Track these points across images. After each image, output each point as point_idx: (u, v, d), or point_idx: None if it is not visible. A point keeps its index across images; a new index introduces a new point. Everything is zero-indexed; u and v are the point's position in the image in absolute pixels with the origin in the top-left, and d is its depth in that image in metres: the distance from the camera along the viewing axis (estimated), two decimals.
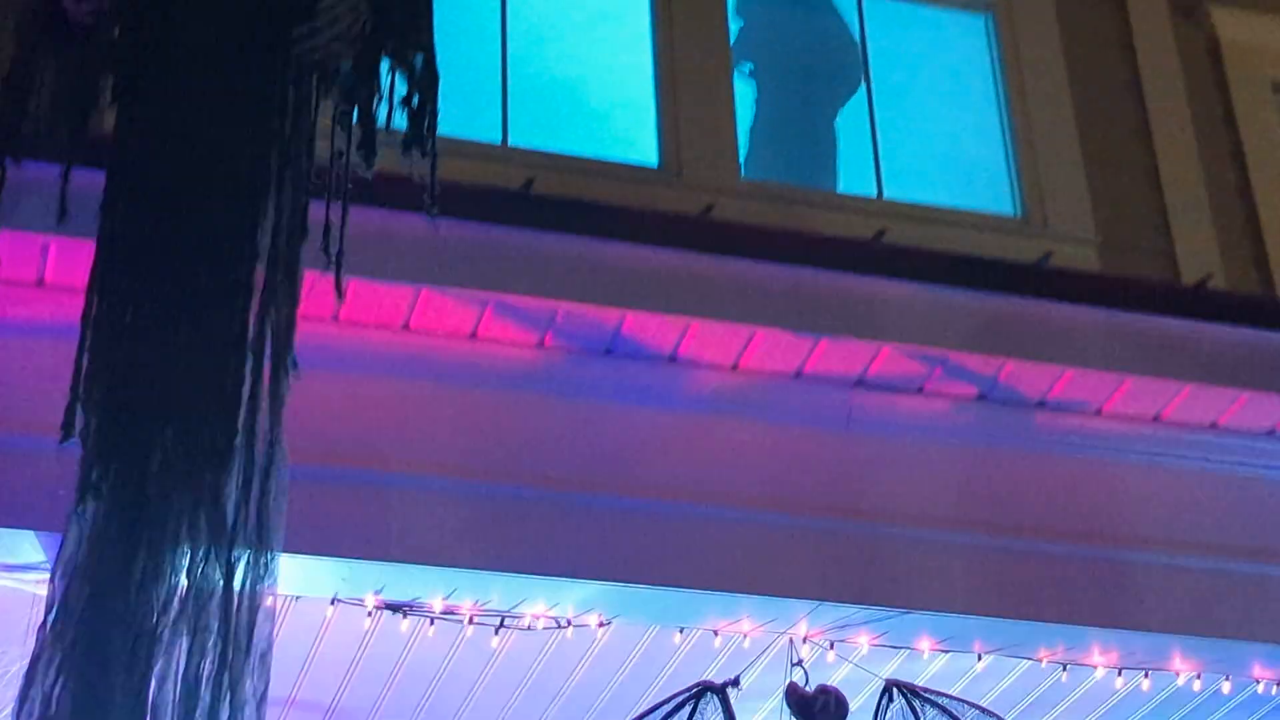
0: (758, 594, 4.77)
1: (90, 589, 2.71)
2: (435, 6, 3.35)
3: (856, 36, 6.76)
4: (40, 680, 2.66)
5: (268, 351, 2.92)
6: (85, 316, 2.91)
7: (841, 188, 6.44)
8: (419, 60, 3.23)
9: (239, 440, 2.82)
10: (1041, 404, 5.13)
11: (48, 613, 2.74)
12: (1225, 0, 8.10)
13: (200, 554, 2.76)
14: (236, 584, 2.80)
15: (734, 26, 6.60)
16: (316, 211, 3.15)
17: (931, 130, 6.89)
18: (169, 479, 2.76)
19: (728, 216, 5.33)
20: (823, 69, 6.83)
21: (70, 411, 2.87)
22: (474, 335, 4.75)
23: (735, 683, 4.80)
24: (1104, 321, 5.10)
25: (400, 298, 4.59)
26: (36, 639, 2.72)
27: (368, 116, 3.18)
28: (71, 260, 4.26)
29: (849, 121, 6.64)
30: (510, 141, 6.05)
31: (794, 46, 6.77)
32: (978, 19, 6.84)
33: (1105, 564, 5.07)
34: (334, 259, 3.12)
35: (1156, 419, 5.22)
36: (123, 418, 2.80)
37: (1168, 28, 7.14)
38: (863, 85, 6.62)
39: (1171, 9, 7.32)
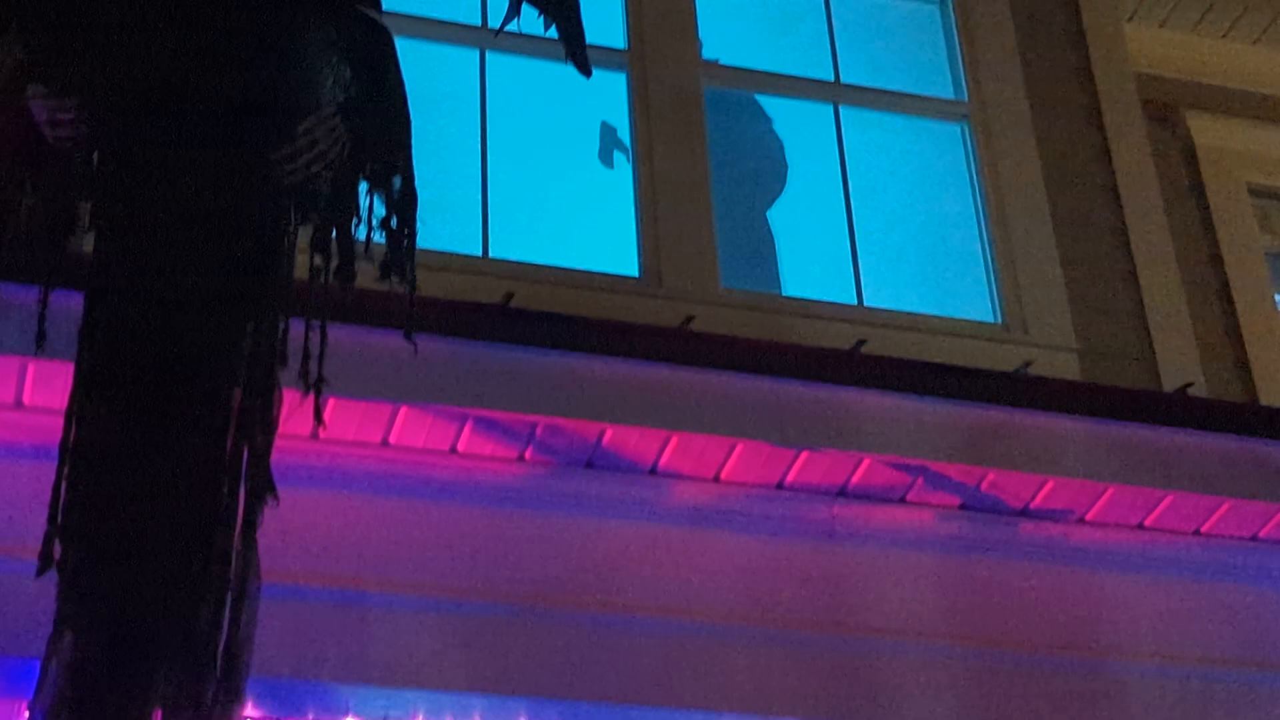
0: (741, 712, 4.73)
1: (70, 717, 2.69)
2: (415, 119, 3.38)
3: (781, 135, 6.83)
4: None
5: (244, 477, 2.91)
6: (63, 444, 2.91)
7: (813, 293, 6.45)
8: (397, 182, 3.25)
9: (215, 569, 2.81)
10: (1024, 513, 5.13)
11: None
12: (1200, 106, 8.20)
13: (175, 686, 2.74)
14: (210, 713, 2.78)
15: None
16: (295, 327, 3.16)
17: (910, 238, 6.93)
18: (147, 612, 2.75)
19: (709, 327, 5.34)
20: (754, 169, 6.89)
21: (48, 542, 2.85)
22: (454, 451, 4.75)
23: None
24: (1085, 430, 5.11)
25: (379, 414, 4.59)
26: None
27: (346, 239, 3.20)
28: (50, 383, 4.25)
29: (829, 229, 6.66)
30: (490, 253, 6.06)
31: (726, 149, 6.82)
32: (954, 127, 6.89)
33: (1090, 675, 5.05)
34: (313, 385, 3.12)
35: (1140, 527, 5.22)
36: (100, 551, 2.78)
37: (1144, 134, 7.19)
38: (802, 183, 6.67)
39: (1147, 116, 7.38)
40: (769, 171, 6.78)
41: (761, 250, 6.67)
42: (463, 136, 6.35)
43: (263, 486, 2.94)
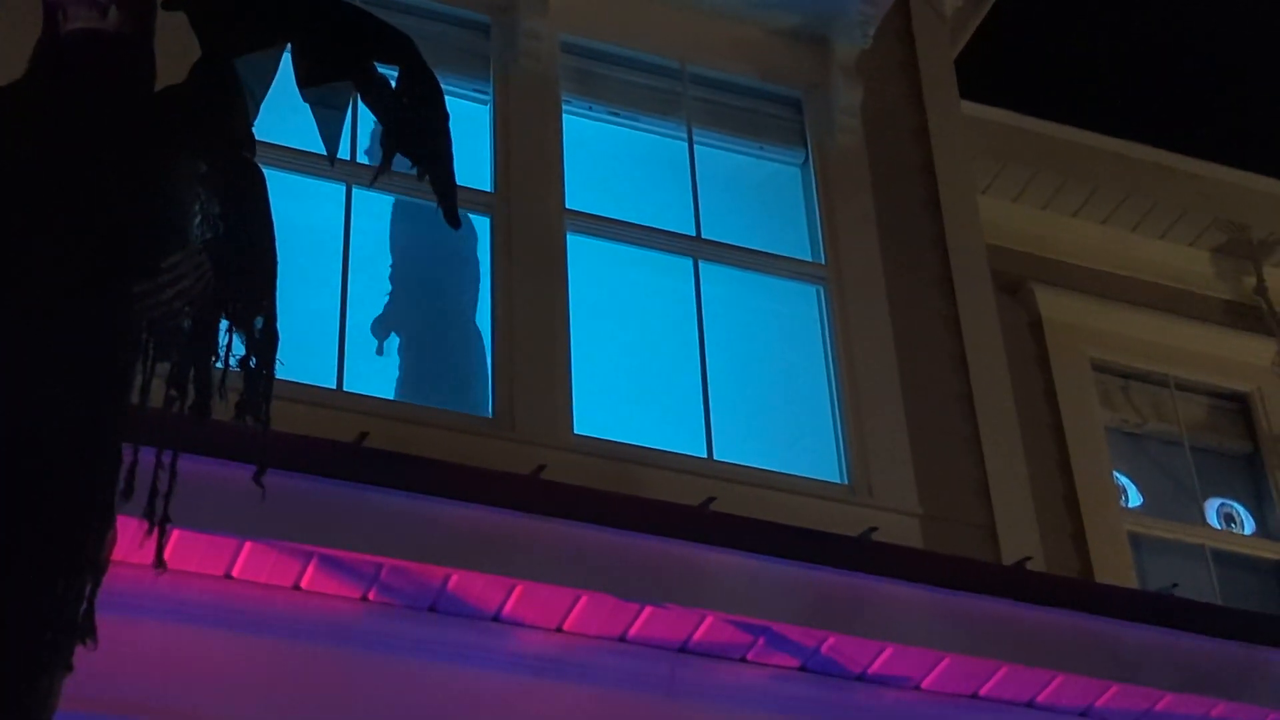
0: None
1: None
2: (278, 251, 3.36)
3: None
4: None
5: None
6: None
7: (664, 444, 6.47)
8: (259, 322, 3.24)
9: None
10: (862, 678, 5.16)
11: None
12: (1048, 280, 8.41)
13: None
14: None
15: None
16: (144, 457, 3.11)
17: (763, 394, 7.01)
18: None
19: (560, 473, 5.34)
20: (457, 275, 6.89)
21: None
22: (297, 587, 4.69)
23: None
24: (925, 598, 5.17)
25: (224, 548, 4.54)
26: None
27: (204, 375, 3.17)
28: None
29: (683, 380, 6.71)
30: (345, 387, 6.04)
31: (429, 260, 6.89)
32: (811, 289, 7.00)
33: None
34: (158, 522, 3.07)
35: (975, 696, 5.27)
36: None
37: (993, 305, 7.34)
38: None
39: (997, 287, 7.54)
40: (470, 276, 6.77)
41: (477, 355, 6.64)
42: (323, 267, 6.35)
43: (85, 629, 2.87)
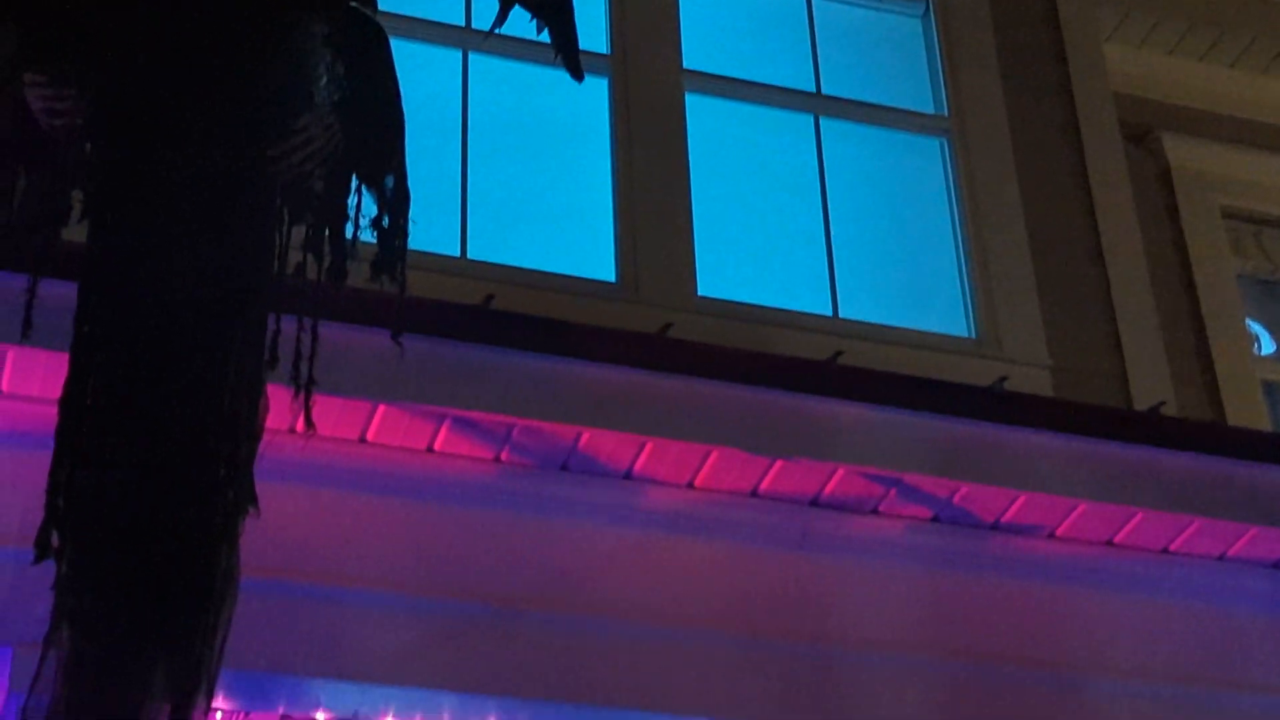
0: (708, 717, 4.77)
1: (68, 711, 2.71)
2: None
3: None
4: None
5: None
6: (58, 433, 2.92)
7: (789, 304, 6.49)
8: (390, 182, 3.28)
9: (210, 570, 2.83)
10: (995, 527, 5.19)
11: None
12: (1176, 128, 8.28)
13: (171, 682, 2.76)
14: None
15: None
16: (286, 326, 3.18)
17: (887, 251, 6.98)
18: (140, 618, 2.76)
19: (685, 334, 5.38)
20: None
21: (44, 532, 2.86)
22: (430, 450, 4.78)
23: None
24: (1058, 446, 5.17)
25: (358, 412, 4.62)
26: None
27: (338, 239, 3.22)
28: (29, 371, 4.28)
29: (806, 239, 6.71)
30: (469, 255, 6.09)
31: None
32: (934, 142, 6.95)
33: (1055, 688, 5.11)
34: (304, 386, 3.14)
35: (1109, 543, 5.28)
36: (97, 550, 2.79)
37: (1120, 154, 7.26)
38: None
39: (1124, 136, 7.45)
40: None
41: None
42: (443, 137, 6.39)
43: (244, 497, 2.95)
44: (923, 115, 7.01)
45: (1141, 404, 6.19)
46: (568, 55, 3.42)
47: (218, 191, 3.02)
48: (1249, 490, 5.27)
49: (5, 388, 4.42)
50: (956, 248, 6.74)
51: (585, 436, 4.79)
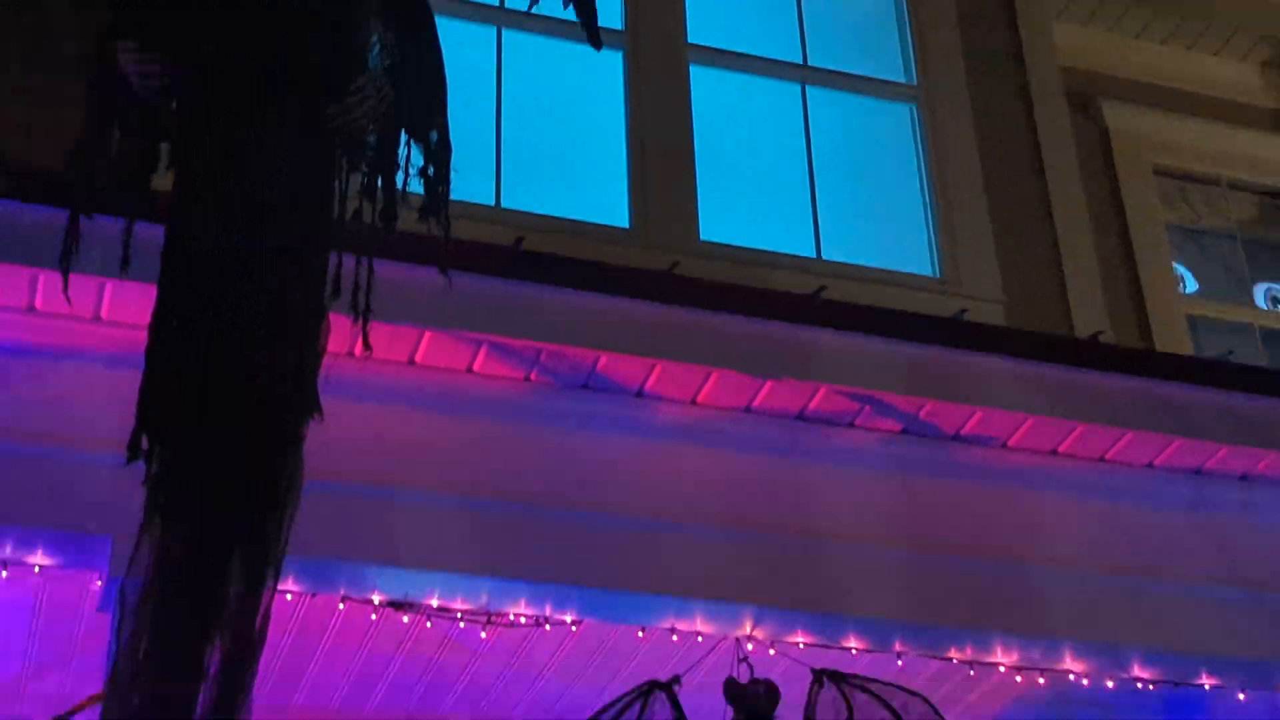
0: (709, 599, 4.79)
1: (156, 604, 2.70)
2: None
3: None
4: (118, 684, 2.66)
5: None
6: (148, 353, 2.91)
7: (779, 247, 6.47)
8: (434, 136, 3.27)
9: (284, 467, 2.83)
10: (955, 438, 5.18)
11: (120, 621, 2.75)
12: (1115, 96, 8.23)
13: (248, 568, 2.76)
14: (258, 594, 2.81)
15: None
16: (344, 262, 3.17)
17: (864, 202, 6.95)
18: (219, 512, 2.76)
19: (689, 273, 5.37)
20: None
21: (136, 436, 2.87)
22: (470, 370, 4.78)
23: (677, 681, 4.79)
24: (1010, 369, 5.16)
25: (408, 337, 4.62)
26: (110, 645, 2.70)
27: (390, 186, 3.21)
28: (125, 301, 4.28)
29: (795, 194, 6.68)
30: (503, 204, 6.07)
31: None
32: (904, 108, 6.91)
33: (1007, 577, 5.12)
34: (362, 313, 3.14)
35: (1053, 453, 5.28)
36: (185, 450, 2.79)
37: (1066, 118, 7.23)
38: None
39: (1069, 103, 7.41)
40: None
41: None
42: (480, 101, 6.36)
43: (309, 405, 2.95)
44: (894, 84, 6.96)
45: (1082, 333, 6.18)
46: (589, 28, 3.41)
47: (285, 140, 3.01)
48: (1174, 408, 5.27)
49: (105, 315, 4.42)
50: (923, 199, 6.71)
51: (603, 360, 4.79)
